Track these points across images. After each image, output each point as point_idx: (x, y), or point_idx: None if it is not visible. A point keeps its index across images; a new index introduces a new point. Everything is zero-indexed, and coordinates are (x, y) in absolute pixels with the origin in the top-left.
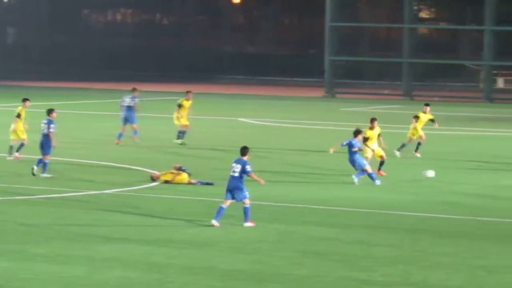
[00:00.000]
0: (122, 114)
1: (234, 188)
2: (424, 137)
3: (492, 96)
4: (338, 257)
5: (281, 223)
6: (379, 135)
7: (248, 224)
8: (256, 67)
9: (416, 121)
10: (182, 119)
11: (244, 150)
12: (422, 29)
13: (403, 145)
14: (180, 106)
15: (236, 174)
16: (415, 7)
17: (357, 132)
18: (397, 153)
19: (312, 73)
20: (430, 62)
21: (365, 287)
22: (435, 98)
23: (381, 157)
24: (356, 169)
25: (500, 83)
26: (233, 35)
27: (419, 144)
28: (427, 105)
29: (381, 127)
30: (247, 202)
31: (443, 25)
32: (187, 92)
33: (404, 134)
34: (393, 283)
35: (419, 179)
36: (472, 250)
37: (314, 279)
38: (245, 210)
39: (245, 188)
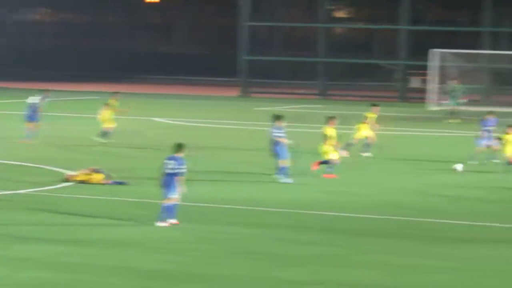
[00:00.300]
0: (27, 113)
1: (167, 185)
2: (373, 137)
3: (406, 96)
4: (254, 256)
5: (199, 223)
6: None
7: (162, 224)
8: (171, 67)
9: (364, 122)
10: (107, 119)
11: (179, 147)
12: (337, 28)
13: (349, 144)
14: (106, 105)
15: (170, 171)
16: (330, 7)
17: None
18: (345, 153)
19: (227, 72)
20: (345, 62)
21: (282, 286)
22: (350, 98)
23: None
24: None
25: (415, 82)
26: (149, 34)
27: (368, 144)
28: (374, 105)
29: (298, 127)
30: (173, 200)
31: (358, 25)
32: (114, 92)
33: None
34: (304, 281)
35: (343, 179)
36: (391, 249)
37: (228, 279)
38: (167, 209)
39: (176, 187)
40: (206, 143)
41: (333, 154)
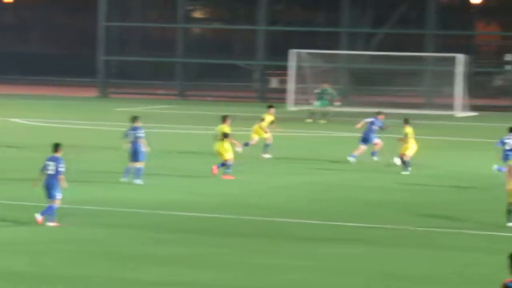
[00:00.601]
0: None
1: (49, 186)
2: (271, 138)
3: (265, 96)
4: (110, 257)
5: (60, 224)
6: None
7: (52, 224)
8: (28, 67)
9: (261, 122)
10: None
11: (56, 147)
12: (196, 28)
13: (246, 144)
14: None
15: (52, 172)
16: (188, 7)
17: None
18: (265, 156)
19: (86, 73)
20: (203, 62)
21: (139, 287)
22: (209, 98)
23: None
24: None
25: (274, 82)
26: (3, 34)
27: (267, 145)
28: (271, 107)
29: (157, 127)
30: (58, 202)
31: (216, 25)
32: None
33: (179, 134)
34: (164, 282)
35: (206, 180)
36: (247, 249)
37: (84, 280)
38: (50, 209)
39: (59, 188)
40: (64, 143)
41: (229, 153)
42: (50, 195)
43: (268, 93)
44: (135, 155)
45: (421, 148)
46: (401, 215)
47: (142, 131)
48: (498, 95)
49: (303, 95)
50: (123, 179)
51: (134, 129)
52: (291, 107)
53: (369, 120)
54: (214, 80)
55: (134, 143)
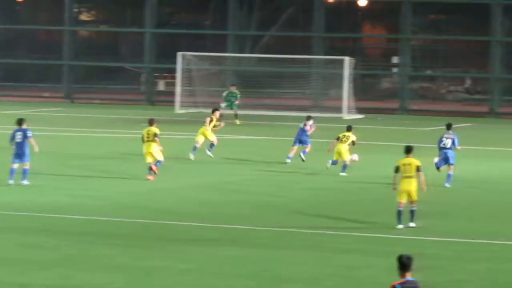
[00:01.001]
0: None
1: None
2: (216, 140)
3: (153, 99)
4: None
5: None
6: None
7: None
8: None
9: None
10: None
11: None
12: (83, 31)
13: (194, 148)
14: None
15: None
16: (76, 9)
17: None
18: (191, 156)
19: None
20: (91, 65)
21: None
22: (96, 101)
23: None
24: None
25: (161, 85)
26: None
27: (212, 145)
28: (216, 110)
29: (44, 130)
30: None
31: (103, 28)
32: None
33: (66, 137)
34: (54, 285)
35: (91, 182)
36: (133, 252)
37: None
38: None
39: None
40: None
41: (160, 155)
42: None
43: (156, 96)
44: (20, 157)
45: (312, 150)
46: (290, 217)
47: (30, 131)
48: (386, 98)
49: (190, 98)
50: (10, 182)
51: (20, 130)
52: (178, 110)
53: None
54: (101, 83)
55: (20, 144)
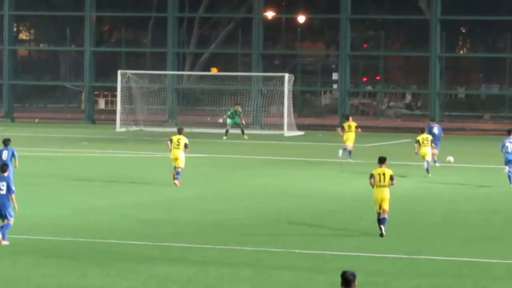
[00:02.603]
0: None
1: (2, 206)
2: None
3: (93, 117)
4: None
5: None
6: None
7: (6, 242)
8: None
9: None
10: None
11: (4, 167)
12: (22, 50)
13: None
14: None
15: (4, 192)
16: (15, 29)
17: None
18: None
19: None
20: (31, 84)
21: None
22: (36, 120)
23: None
24: None
25: (101, 103)
26: None
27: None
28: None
29: None
30: (12, 220)
31: (43, 46)
32: None
33: None
34: None
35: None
36: (75, 271)
37: None
38: (7, 227)
39: (11, 206)
40: None
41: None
42: (9, 214)
43: (96, 114)
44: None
45: (256, 167)
46: (232, 234)
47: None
48: (326, 114)
49: (131, 116)
50: None
51: (6, 149)
52: (119, 128)
53: None
54: (42, 102)
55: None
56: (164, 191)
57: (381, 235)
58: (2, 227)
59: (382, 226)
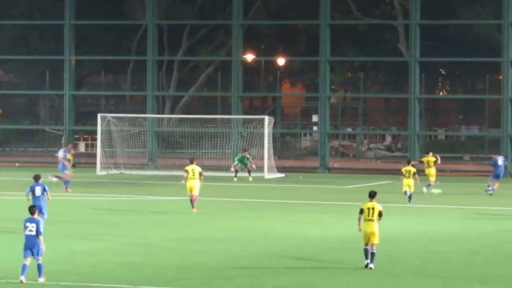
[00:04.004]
0: None
1: (33, 246)
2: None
3: (74, 161)
4: None
5: None
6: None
7: (42, 279)
8: None
9: None
10: None
11: (33, 209)
12: (2, 94)
13: None
14: None
15: (33, 233)
16: None
17: None
18: None
19: None
20: (10, 128)
21: None
22: (16, 164)
23: None
24: None
25: (81, 147)
26: None
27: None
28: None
29: None
30: (41, 259)
31: (23, 90)
32: None
33: None
34: None
35: None
36: None
37: None
38: (41, 267)
39: (40, 246)
40: None
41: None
42: (32, 254)
43: (77, 158)
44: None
45: (236, 209)
46: (213, 278)
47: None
48: (306, 156)
49: (111, 159)
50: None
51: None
52: (99, 172)
53: None
54: (22, 146)
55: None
56: (144, 234)
57: (366, 266)
58: (39, 270)
59: (368, 262)
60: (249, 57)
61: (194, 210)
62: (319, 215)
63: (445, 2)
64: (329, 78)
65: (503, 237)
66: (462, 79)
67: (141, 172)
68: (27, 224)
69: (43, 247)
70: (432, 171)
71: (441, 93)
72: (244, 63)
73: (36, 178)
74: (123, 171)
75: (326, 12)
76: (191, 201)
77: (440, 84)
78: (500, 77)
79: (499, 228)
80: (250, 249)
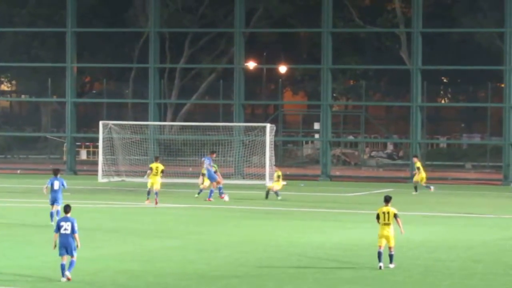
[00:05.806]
0: None
1: (68, 245)
2: None
3: (75, 168)
4: None
5: None
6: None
7: (68, 275)
8: None
9: None
10: None
11: (67, 208)
12: (3, 101)
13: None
14: None
15: (68, 232)
16: None
17: None
18: None
19: None
20: (12, 135)
21: None
22: (18, 171)
23: None
24: None
25: (83, 154)
26: None
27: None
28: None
29: None
30: (75, 257)
31: (24, 98)
32: None
33: None
34: None
35: None
36: None
37: None
38: (73, 263)
39: (74, 243)
40: None
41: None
42: (67, 252)
43: (78, 165)
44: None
45: (237, 217)
46: (214, 286)
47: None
48: (308, 164)
49: (113, 167)
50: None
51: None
52: (101, 179)
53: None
54: (23, 153)
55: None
56: (146, 242)
57: (380, 268)
58: (70, 265)
59: (381, 265)
60: (251, 65)
61: (148, 202)
62: (321, 223)
63: (447, 10)
64: (331, 86)
65: (505, 246)
66: (464, 87)
67: (143, 180)
68: (62, 223)
69: (79, 244)
70: (423, 175)
71: (443, 101)
72: (246, 71)
73: (55, 172)
74: (124, 178)
75: (328, 20)
76: (148, 192)
77: (442, 92)
78: (502, 85)
79: (501, 237)
80: (251, 257)
